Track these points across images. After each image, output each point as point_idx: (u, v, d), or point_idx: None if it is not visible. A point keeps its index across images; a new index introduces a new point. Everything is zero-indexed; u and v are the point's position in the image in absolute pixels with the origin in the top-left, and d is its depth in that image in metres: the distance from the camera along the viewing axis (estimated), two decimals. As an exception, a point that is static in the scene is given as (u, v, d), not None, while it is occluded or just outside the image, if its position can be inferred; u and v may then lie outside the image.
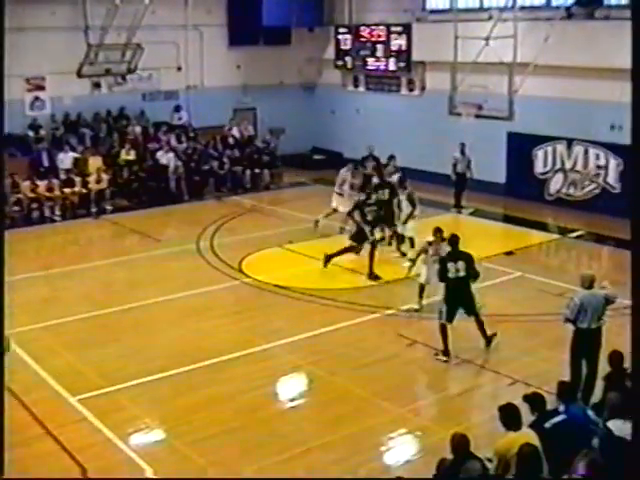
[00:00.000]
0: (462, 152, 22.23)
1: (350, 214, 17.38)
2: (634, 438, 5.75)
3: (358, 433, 10.26)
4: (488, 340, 12.76)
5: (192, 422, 10.59)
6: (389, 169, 20.01)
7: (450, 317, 12.46)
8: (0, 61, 5.17)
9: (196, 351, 12.85)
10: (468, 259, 12.50)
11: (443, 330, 12.46)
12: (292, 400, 11.59)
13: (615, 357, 9.04)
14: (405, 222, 17.62)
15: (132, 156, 24.51)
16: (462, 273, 12.37)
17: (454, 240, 12.69)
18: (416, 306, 14.62)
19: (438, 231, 14.30)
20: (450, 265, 12.41)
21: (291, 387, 12.09)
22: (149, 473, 9.39)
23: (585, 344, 10.59)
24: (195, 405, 11.06)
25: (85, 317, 14.51)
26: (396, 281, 16.28)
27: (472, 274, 12.51)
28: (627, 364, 8.93)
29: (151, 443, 10.29)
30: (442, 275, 12.52)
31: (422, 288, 14.52)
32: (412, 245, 17.34)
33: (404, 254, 17.39)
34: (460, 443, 7.23)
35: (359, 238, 16.73)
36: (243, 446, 10.01)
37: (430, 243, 14.38)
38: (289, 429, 10.51)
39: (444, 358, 12.47)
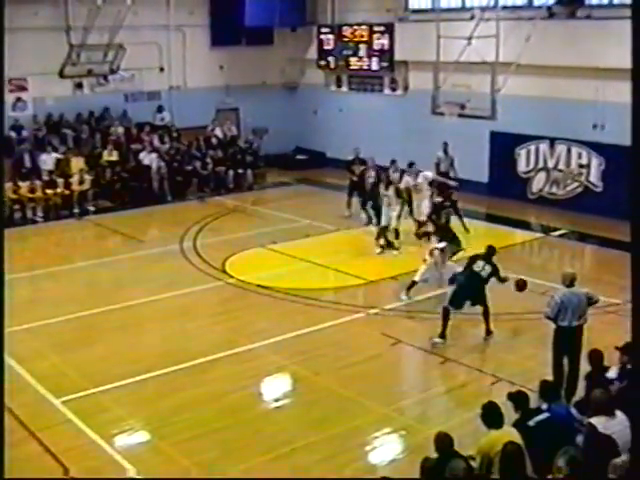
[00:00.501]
0: (445, 151, 22.25)
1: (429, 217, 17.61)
2: (634, 437, 5.77)
3: (343, 433, 10.27)
4: (488, 331, 13.10)
5: (176, 423, 10.56)
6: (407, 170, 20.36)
7: (455, 304, 12.70)
8: (0, 61, 5.11)
9: (180, 352, 12.82)
10: (494, 269, 12.84)
11: (445, 313, 12.67)
12: (277, 400, 11.58)
13: (595, 356, 9.07)
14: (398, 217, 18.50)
15: (115, 157, 24.42)
16: (484, 274, 12.73)
17: (490, 250, 13.06)
18: (403, 296, 14.90)
19: None
20: (480, 262, 12.80)
21: (275, 387, 12.08)
22: (133, 474, 9.36)
23: (566, 342, 10.64)
24: (179, 406, 11.03)
25: (69, 318, 14.43)
26: (379, 281, 16.32)
27: (496, 278, 12.86)
28: (607, 362, 9.02)
29: (135, 444, 10.26)
30: (467, 266, 12.99)
31: (413, 284, 14.82)
32: (397, 237, 18.35)
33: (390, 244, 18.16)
34: (444, 442, 7.26)
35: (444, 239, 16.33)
36: (228, 447, 10.00)
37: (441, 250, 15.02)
38: (274, 429, 10.50)
39: (440, 340, 12.71)
